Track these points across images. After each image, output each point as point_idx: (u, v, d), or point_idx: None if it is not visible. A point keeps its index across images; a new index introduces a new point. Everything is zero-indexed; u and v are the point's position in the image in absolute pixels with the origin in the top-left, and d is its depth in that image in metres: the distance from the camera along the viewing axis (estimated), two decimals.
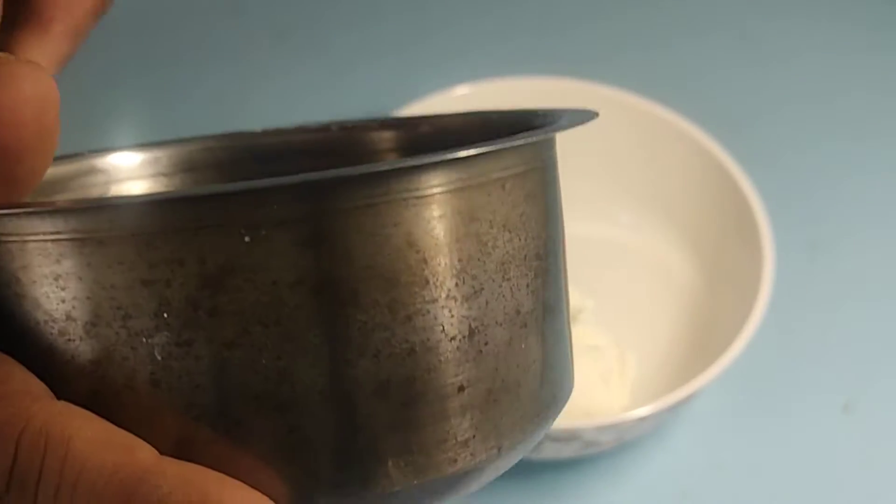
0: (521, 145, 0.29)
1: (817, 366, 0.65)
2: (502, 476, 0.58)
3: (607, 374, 0.58)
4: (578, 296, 0.62)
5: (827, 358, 0.65)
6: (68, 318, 0.27)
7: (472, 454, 0.29)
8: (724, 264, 0.64)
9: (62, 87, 0.29)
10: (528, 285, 0.30)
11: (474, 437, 0.29)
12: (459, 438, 0.28)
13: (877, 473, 0.61)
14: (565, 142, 0.63)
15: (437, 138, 0.40)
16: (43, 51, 0.40)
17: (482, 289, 0.28)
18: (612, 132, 0.66)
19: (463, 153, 0.27)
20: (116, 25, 0.84)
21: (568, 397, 0.33)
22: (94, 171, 0.40)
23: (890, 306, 0.67)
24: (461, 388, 0.28)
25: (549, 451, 0.57)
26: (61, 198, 0.38)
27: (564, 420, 0.53)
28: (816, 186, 0.73)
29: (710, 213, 0.65)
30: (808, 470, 0.61)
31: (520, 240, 0.30)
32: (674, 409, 0.56)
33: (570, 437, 0.55)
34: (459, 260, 0.28)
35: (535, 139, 0.30)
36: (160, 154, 0.42)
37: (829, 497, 0.60)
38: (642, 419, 0.54)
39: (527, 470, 0.61)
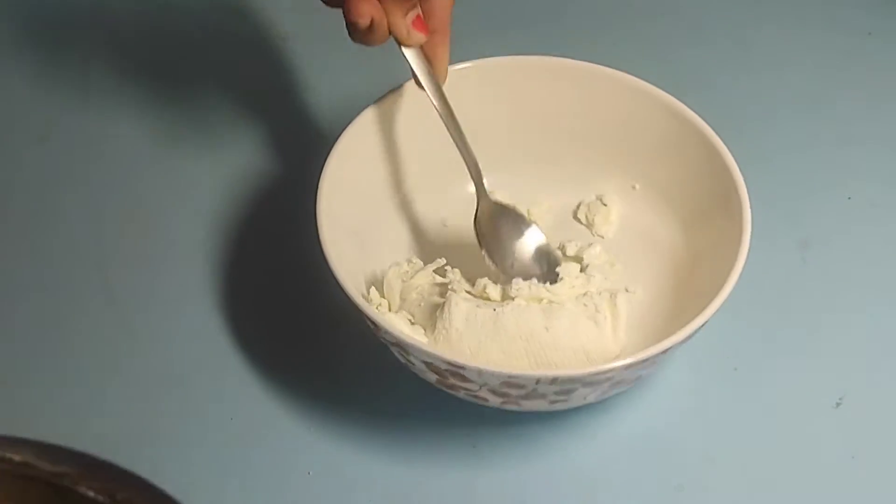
0: None
1: (809, 363, 0.66)
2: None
3: (598, 316, 0.61)
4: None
5: (819, 355, 0.66)
6: None
7: None
8: (705, 229, 0.67)
9: None
10: None
11: None
12: None
13: (868, 469, 0.62)
14: (561, 122, 0.70)
15: None
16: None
17: None
18: (602, 110, 0.70)
19: None
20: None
21: None
22: None
23: (880, 304, 0.69)
24: None
25: (577, 398, 0.59)
26: None
27: (588, 365, 0.57)
28: (808, 187, 0.74)
29: (692, 182, 0.68)
30: (800, 464, 0.62)
31: None
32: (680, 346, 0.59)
33: (602, 378, 0.57)
34: None
35: None
36: None
37: (821, 491, 0.61)
38: (663, 352, 0.57)
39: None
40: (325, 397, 0.64)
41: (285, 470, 0.62)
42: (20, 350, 0.67)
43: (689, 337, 0.58)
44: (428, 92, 0.64)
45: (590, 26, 0.85)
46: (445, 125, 0.65)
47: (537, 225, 0.67)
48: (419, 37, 0.60)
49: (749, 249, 0.60)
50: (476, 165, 0.67)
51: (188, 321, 0.68)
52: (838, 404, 0.64)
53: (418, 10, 0.60)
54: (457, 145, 0.66)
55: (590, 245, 0.67)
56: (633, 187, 0.71)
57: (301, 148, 0.77)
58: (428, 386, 0.63)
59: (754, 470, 0.62)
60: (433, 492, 0.61)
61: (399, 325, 0.60)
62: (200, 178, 0.75)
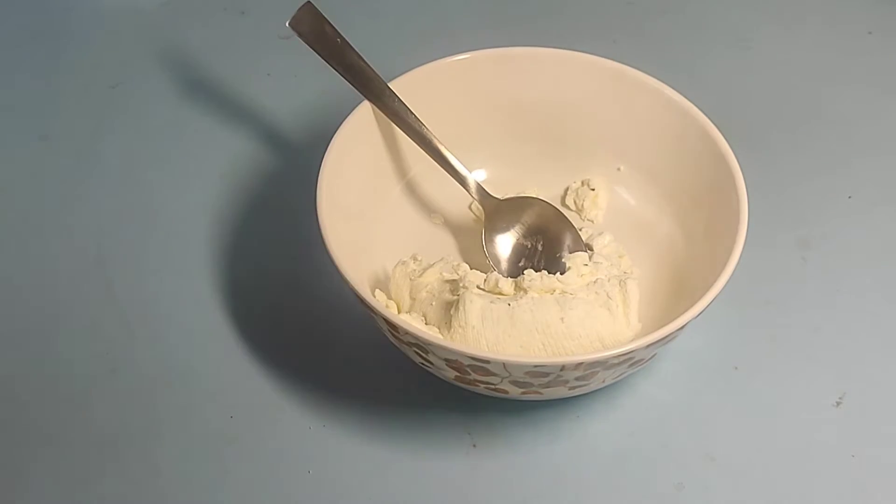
0: None
1: (810, 362, 0.66)
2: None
3: (610, 303, 0.62)
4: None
5: (819, 354, 0.67)
6: None
7: None
8: (699, 210, 0.68)
9: None
10: None
11: None
12: None
13: (868, 469, 0.62)
14: (563, 113, 0.71)
15: None
16: None
17: None
18: (602, 102, 0.71)
19: None
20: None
21: None
22: None
23: (881, 303, 0.69)
24: None
25: (596, 382, 0.60)
26: None
27: (603, 351, 0.57)
28: (808, 186, 0.75)
29: (682, 165, 0.69)
30: (800, 464, 0.62)
31: None
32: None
33: (623, 360, 0.58)
34: None
35: None
36: None
37: (821, 491, 0.61)
38: (681, 328, 0.58)
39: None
40: (326, 395, 0.65)
41: (285, 468, 0.62)
42: (20, 350, 0.67)
43: (702, 312, 0.59)
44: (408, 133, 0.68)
45: (590, 25, 0.85)
46: (428, 153, 0.68)
47: (544, 200, 0.70)
48: None
49: (747, 236, 0.61)
50: (466, 181, 0.69)
51: (188, 320, 0.68)
52: (838, 404, 0.64)
53: None
54: (444, 169, 0.68)
55: (600, 234, 0.68)
56: (618, 169, 0.72)
57: (301, 142, 0.77)
58: (427, 382, 0.63)
59: (754, 470, 0.62)
60: (434, 488, 0.61)
61: (416, 325, 0.61)
62: (200, 175, 0.76)
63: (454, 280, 0.63)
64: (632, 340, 0.59)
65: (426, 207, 0.72)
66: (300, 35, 0.67)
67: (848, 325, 0.68)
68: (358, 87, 0.67)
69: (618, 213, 0.72)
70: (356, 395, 0.65)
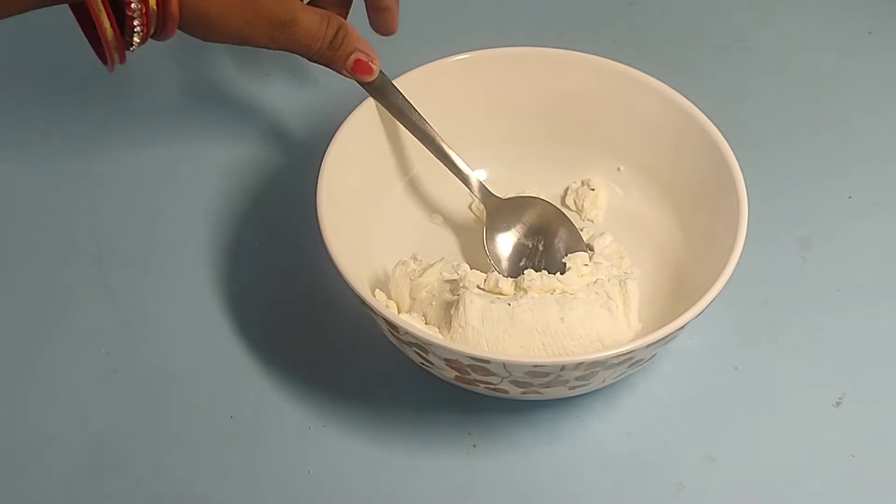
0: None
1: (810, 362, 0.66)
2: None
3: (610, 303, 0.62)
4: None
5: (819, 354, 0.67)
6: None
7: None
8: (699, 211, 0.68)
9: None
10: None
11: None
12: None
13: (868, 468, 0.62)
14: (563, 113, 0.72)
15: None
16: None
17: None
18: (602, 102, 0.71)
19: None
20: None
21: None
22: None
23: (881, 303, 0.69)
24: None
25: (596, 382, 0.60)
26: None
27: (603, 351, 0.58)
28: (808, 186, 0.75)
29: (682, 165, 0.69)
30: (800, 464, 0.62)
31: None
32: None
33: (622, 360, 0.58)
34: None
35: None
36: None
37: (821, 491, 0.61)
38: (681, 328, 0.58)
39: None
40: (325, 395, 0.65)
41: (285, 468, 0.62)
42: (20, 350, 0.67)
43: (702, 312, 0.59)
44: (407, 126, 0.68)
45: (590, 25, 0.85)
46: (431, 151, 0.68)
47: (545, 200, 0.70)
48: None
49: (747, 236, 0.61)
50: (468, 179, 0.69)
51: (187, 320, 0.68)
52: (838, 404, 0.64)
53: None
54: (447, 166, 0.68)
55: (601, 234, 0.69)
56: (618, 169, 0.72)
57: (301, 142, 0.77)
58: (427, 382, 0.63)
59: (754, 470, 0.62)
60: (434, 488, 0.61)
61: (416, 325, 0.61)
62: (200, 175, 0.76)
63: (454, 280, 0.64)
64: (632, 340, 0.59)
65: (426, 207, 0.72)
66: None
67: (848, 324, 0.68)
68: (361, 84, 0.67)
69: (618, 213, 0.72)
70: (356, 395, 0.65)
